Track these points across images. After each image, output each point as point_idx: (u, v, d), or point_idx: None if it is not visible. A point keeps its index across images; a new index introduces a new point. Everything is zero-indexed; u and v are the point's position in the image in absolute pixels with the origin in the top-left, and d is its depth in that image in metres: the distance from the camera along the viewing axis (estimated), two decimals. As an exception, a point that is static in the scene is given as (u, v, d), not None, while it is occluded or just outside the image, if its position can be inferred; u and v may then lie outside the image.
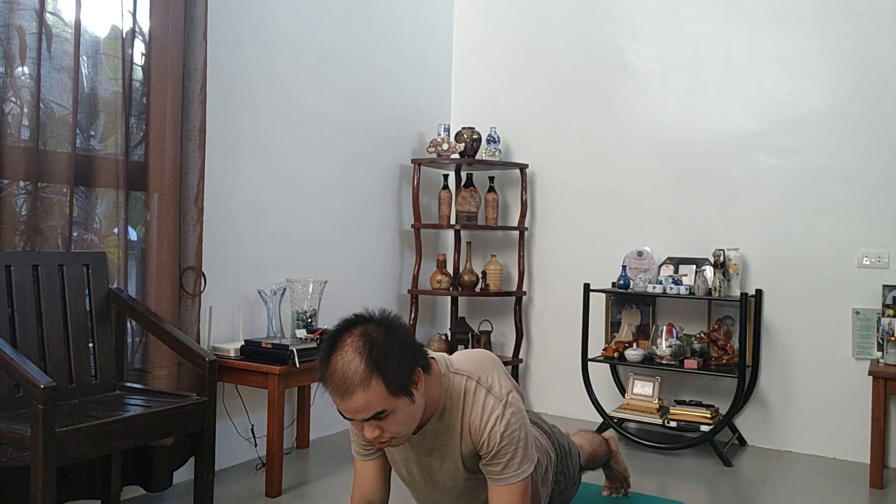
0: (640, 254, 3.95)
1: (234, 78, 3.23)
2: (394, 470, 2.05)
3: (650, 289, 3.71)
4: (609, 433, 2.89)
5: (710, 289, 3.58)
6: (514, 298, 4.36)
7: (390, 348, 1.64)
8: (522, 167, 4.28)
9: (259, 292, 3.26)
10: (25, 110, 2.41)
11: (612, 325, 4.05)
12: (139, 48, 2.79)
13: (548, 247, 4.38)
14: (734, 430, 3.77)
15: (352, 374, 1.61)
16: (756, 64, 3.79)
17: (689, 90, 3.96)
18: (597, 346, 4.00)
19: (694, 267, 3.77)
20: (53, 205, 2.51)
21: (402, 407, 1.67)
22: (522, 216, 4.29)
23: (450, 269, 4.41)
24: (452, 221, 4.33)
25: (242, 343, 3.06)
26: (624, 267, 3.88)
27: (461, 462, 1.89)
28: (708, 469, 3.39)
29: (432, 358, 1.85)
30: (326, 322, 3.57)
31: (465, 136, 4.21)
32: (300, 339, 3.15)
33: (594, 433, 2.78)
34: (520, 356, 4.37)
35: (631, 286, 3.78)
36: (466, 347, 4.16)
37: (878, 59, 3.53)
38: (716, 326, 3.72)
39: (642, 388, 3.74)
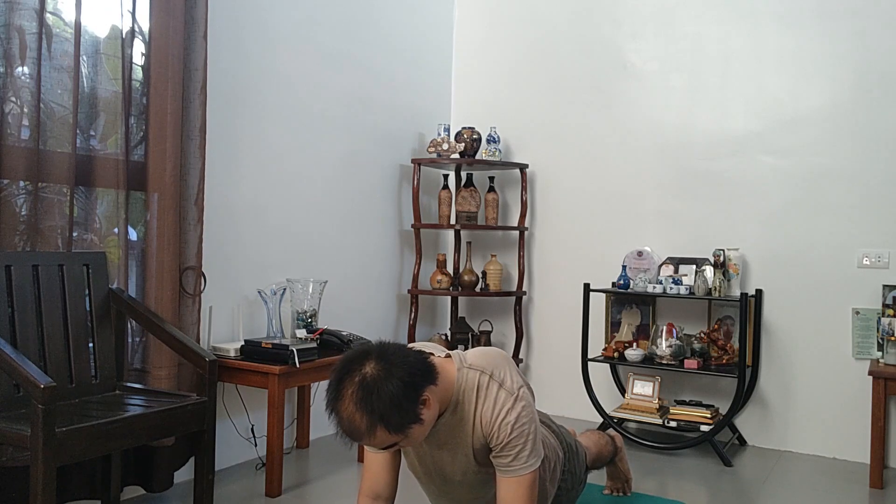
0: (640, 254, 3.95)
1: (234, 78, 3.23)
2: (405, 462, 2.08)
3: (650, 289, 3.71)
4: (613, 431, 2.90)
5: (710, 289, 3.58)
6: (514, 298, 4.36)
7: (389, 392, 1.68)
8: (522, 167, 4.28)
9: (259, 292, 3.26)
10: (25, 110, 2.41)
11: (612, 325, 4.05)
12: (139, 48, 2.79)
13: (548, 247, 4.38)
14: (734, 430, 3.77)
15: (356, 427, 1.70)
16: (756, 64, 3.80)
17: (689, 90, 3.96)
18: (597, 346, 4.00)
19: (694, 267, 3.77)
20: (53, 205, 2.51)
21: (413, 432, 1.75)
22: (522, 216, 4.29)
23: (450, 269, 4.41)
24: (452, 221, 4.33)
25: (242, 343, 3.06)
26: (624, 267, 3.88)
27: (472, 455, 1.94)
28: (708, 469, 3.39)
29: (448, 356, 1.92)
30: (326, 322, 3.58)
31: (465, 136, 4.21)
32: (300, 339, 3.15)
33: (600, 433, 2.80)
34: (520, 356, 4.38)
35: (631, 286, 3.78)
36: (467, 347, 4.16)
37: (878, 59, 3.53)
38: (716, 326, 3.72)
39: (642, 388, 3.74)
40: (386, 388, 1.68)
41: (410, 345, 1.98)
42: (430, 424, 1.80)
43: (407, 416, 1.71)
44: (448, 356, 1.93)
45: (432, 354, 1.89)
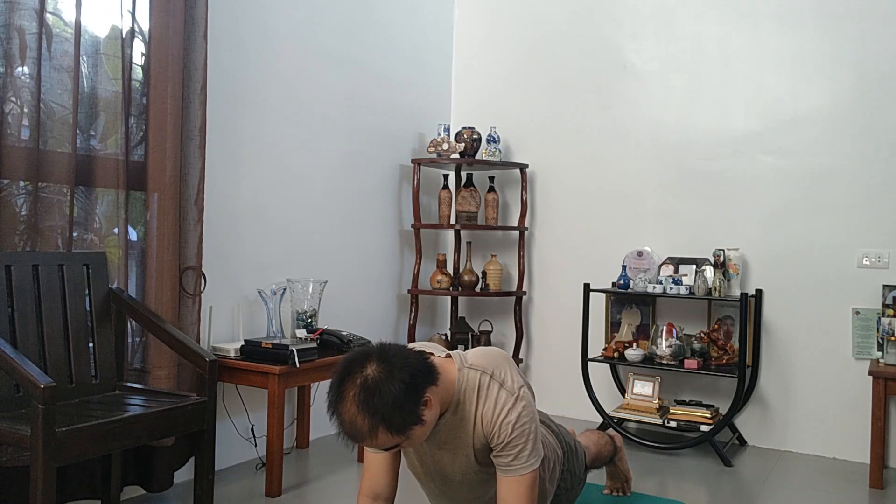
0: (640, 254, 3.95)
1: (234, 78, 3.23)
2: (405, 462, 2.08)
3: (650, 289, 3.71)
4: (613, 431, 2.90)
5: (710, 289, 3.58)
6: (514, 298, 4.36)
7: (391, 393, 1.68)
8: (522, 167, 4.28)
9: (259, 292, 3.26)
10: (25, 110, 2.41)
11: (612, 325, 4.05)
12: (139, 48, 2.79)
13: (548, 247, 4.38)
14: (734, 430, 3.77)
15: (358, 429, 1.70)
16: (756, 64, 3.80)
17: (689, 90, 3.96)
18: (597, 346, 4.00)
19: (694, 267, 3.77)
20: (53, 205, 2.51)
21: (414, 433, 1.75)
22: (522, 216, 4.29)
23: (450, 269, 4.41)
24: (452, 221, 4.33)
25: (242, 343, 3.06)
26: (624, 267, 3.88)
27: (473, 455, 1.94)
28: (708, 469, 3.39)
29: (448, 356, 1.93)
30: (326, 322, 3.58)
31: (465, 136, 4.21)
32: (300, 339, 3.15)
33: (600, 432, 2.81)
34: (520, 356, 4.38)
35: (631, 286, 3.78)
36: (467, 347, 4.16)
37: (878, 59, 3.53)
38: (716, 326, 3.72)
39: (642, 388, 3.74)
40: (387, 390, 1.68)
41: (410, 345, 1.98)
42: (431, 425, 1.80)
43: (409, 417, 1.71)
44: (448, 356, 1.93)
45: (432, 354, 1.89)
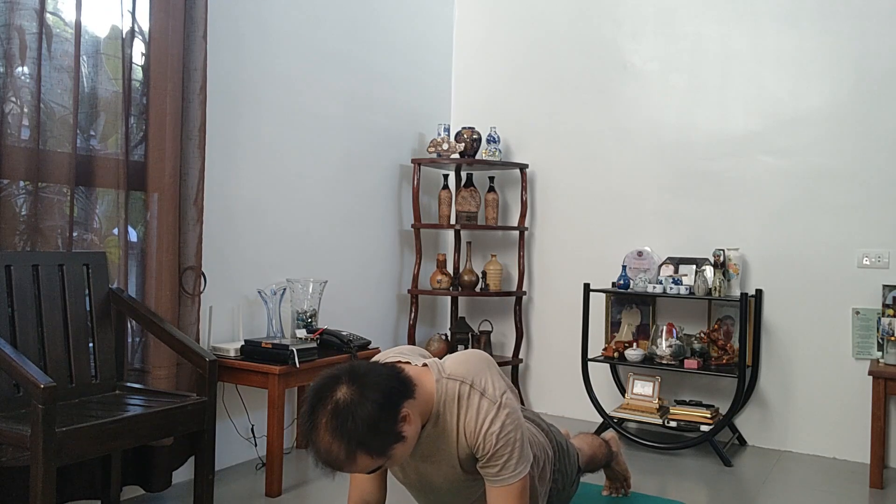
0: (640, 254, 3.95)
1: (233, 78, 3.23)
2: (390, 471, 2.06)
3: (650, 289, 3.71)
4: (610, 434, 2.89)
5: (710, 289, 3.58)
6: (514, 298, 4.36)
7: (365, 415, 1.61)
8: (522, 167, 4.28)
9: (259, 292, 3.26)
10: (25, 110, 2.41)
11: (612, 325, 4.05)
12: (139, 48, 2.79)
13: (548, 247, 4.38)
14: (734, 430, 3.77)
15: (335, 457, 1.63)
16: (756, 64, 3.80)
17: (689, 90, 3.96)
18: (597, 346, 4.00)
19: (694, 267, 3.77)
20: (53, 205, 2.51)
21: (396, 452, 1.69)
22: (522, 216, 4.29)
23: (450, 269, 4.41)
24: (452, 221, 4.33)
25: (242, 343, 3.06)
26: (624, 267, 3.88)
27: (458, 465, 1.90)
28: (708, 469, 3.39)
29: (425, 364, 1.87)
30: (326, 322, 3.58)
31: (465, 136, 4.21)
32: (300, 339, 3.16)
33: (594, 435, 2.79)
34: (520, 356, 4.38)
35: (631, 286, 3.78)
36: (466, 347, 4.16)
37: (878, 59, 3.53)
38: (716, 326, 3.72)
39: (642, 388, 3.74)
40: (360, 413, 1.60)
41: (384, 353, 1.94)
42: (413, 440, 1.74)
43: (388, 437, 1.65)
44: (425, 365, 1.87)
45: (408, 363, 1.85)
